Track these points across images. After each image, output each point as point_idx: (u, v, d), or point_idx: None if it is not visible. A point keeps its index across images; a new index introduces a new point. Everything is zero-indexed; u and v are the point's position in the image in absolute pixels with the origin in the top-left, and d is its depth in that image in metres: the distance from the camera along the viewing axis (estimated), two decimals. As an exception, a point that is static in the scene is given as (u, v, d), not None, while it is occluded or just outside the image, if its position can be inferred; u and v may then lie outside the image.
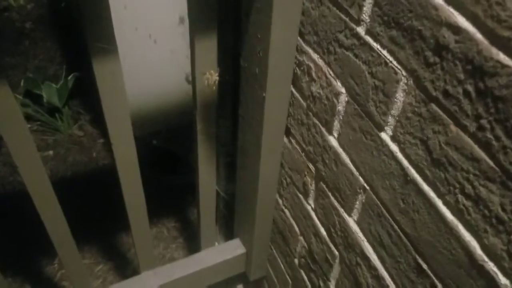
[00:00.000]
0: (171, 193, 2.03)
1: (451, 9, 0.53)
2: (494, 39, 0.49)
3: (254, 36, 0.88)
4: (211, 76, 0.95)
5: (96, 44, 0.75)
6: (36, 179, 0.92)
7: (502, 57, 0.48)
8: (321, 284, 1.07)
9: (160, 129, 1.96)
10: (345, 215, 0.90)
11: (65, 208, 1.02)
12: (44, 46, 2.67)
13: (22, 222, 1.88)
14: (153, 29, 1.60)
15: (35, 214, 0.97)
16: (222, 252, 1.37)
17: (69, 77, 2.29)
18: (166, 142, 1.99)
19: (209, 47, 0.94)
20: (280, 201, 1.19)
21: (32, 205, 0.96)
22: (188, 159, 1.99)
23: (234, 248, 1.37)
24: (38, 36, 2.73)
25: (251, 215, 1.21)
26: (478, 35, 0.50)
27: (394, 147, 0.70)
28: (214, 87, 0.99)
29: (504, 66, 0.48)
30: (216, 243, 1.53)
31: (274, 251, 1.32)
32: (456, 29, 0.53)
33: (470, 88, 0.53)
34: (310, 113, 0.92)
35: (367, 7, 0.67)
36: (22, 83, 2.26)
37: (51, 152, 2.20)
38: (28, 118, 2.24)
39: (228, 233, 1.61)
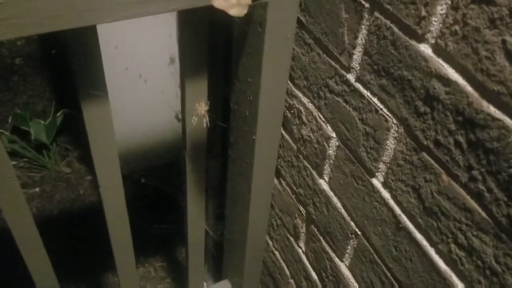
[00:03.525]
0: (158, 231, 1.99)
1: (441, 61, 0.54)
2: (485, 92, 0.49)
3: (245, 79, 0.89)
4: (200, 108, 0.95)
5: (86, 91, 0.75)
6: (19, 218, 0.89)
7: (492, 110, 0.48)
8: (313, 329, 1.05)
9: (149, 166, 1.95)
10: (336, 259, 0.88)
11: (51, 246, 0.99)
12: (33, 82, 2.67)
13: (3, 261, 1.84)
14: (143, 69, 1.61)
15: (16, 253, 0.95)
16: (210, 294, 1.34)
17: (58, 114, 2.28)
18: (155, 180, 1.98)
19: (199, 88, 0.94)
20: (270, 242, 1.17)
21: (14, 244, 0.93)
22: (176, 197, 1.97)
23: (223, 290, 1.34)
24: (28, 72, 2.73)
25: (241, 256, 1.19)
26: (469, 88, 0.51)
27: (385, 194, 0.70)
28: (204, 119, 0.98)
29: (495, 119, 0.48)
30: (205, 284, 1.50)
31: (264, 293, 1.30)
32: (446, 81, 0.53)
33: (461, 139, 0.54)
34: (301, 156, 0.92)
35: (357, 55, 0.67)
36: (10, 119, 2.24)
37: (37, 189, 2.17)
38: (15, 154, 2.21)
39: (217, 273, 1.58)
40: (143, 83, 1.61)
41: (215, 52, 0.99)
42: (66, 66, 2.59)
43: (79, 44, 0.72)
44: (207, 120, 0.94)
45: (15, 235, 0.92)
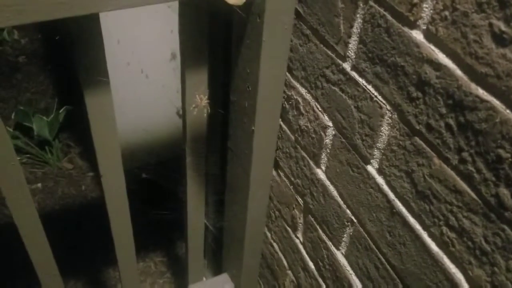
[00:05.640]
0: (159, 226, 2.01)
1: (432, 47, 0.55)
2: (473, 75, 0.51)
3: (244, 71, 0.90)
4: (201, 101, 0.96)
5: (89, 77, 0.76)
6: (24, 212, 0.91)
7: (481, 92, 0.50)
8: (310, 319, 1.06)
9: (150, 162, 1.97)
10: (333, 248, 0.90)
11: (53, 242, 1.01)
12: (36, 80, 2.69)
13: (6, 255, 1.85)
14: (145, 64, 1.63)
15: (20, 248, 0.97)
16: None
17: (61, 110, 2.30)
18: (156, 175, 1.99)
19: (200, 81, 0.96)
20: (268, 234, 1.18)
21: (18, 238, 0.95)
22: (177, 192, 1.99)
23: (222, 283, 1.35)
24: (31, 70, 2.75)
25: (240, 249, 1.20)
26: (458, 71, 0.52)
27: (380, 180, 0.71)
28: (204, 114, 0.99)
29: (483, 100, 0.50)
30: (204, 278, 1.51)
31: (263, 286, 1.31)
32: (437, 66, 0.55)
33: (451, 122, 0.55)
34: (298, 146, 0.93)
35: (353, 44, 0.69)
36: (13, 116, 2.26)
37: (39, 185, 2.19)
38: (18, 150, 2.23)
39: (217, 268, 1.60)
40: (144, 78, 1.63)
41: (215, 44, 1.01)
42: (68, 64, 2.61)
43: (81, 32, 0.74)
44: (208, 110, 0.96)
45: (20, 228, 0.93)
